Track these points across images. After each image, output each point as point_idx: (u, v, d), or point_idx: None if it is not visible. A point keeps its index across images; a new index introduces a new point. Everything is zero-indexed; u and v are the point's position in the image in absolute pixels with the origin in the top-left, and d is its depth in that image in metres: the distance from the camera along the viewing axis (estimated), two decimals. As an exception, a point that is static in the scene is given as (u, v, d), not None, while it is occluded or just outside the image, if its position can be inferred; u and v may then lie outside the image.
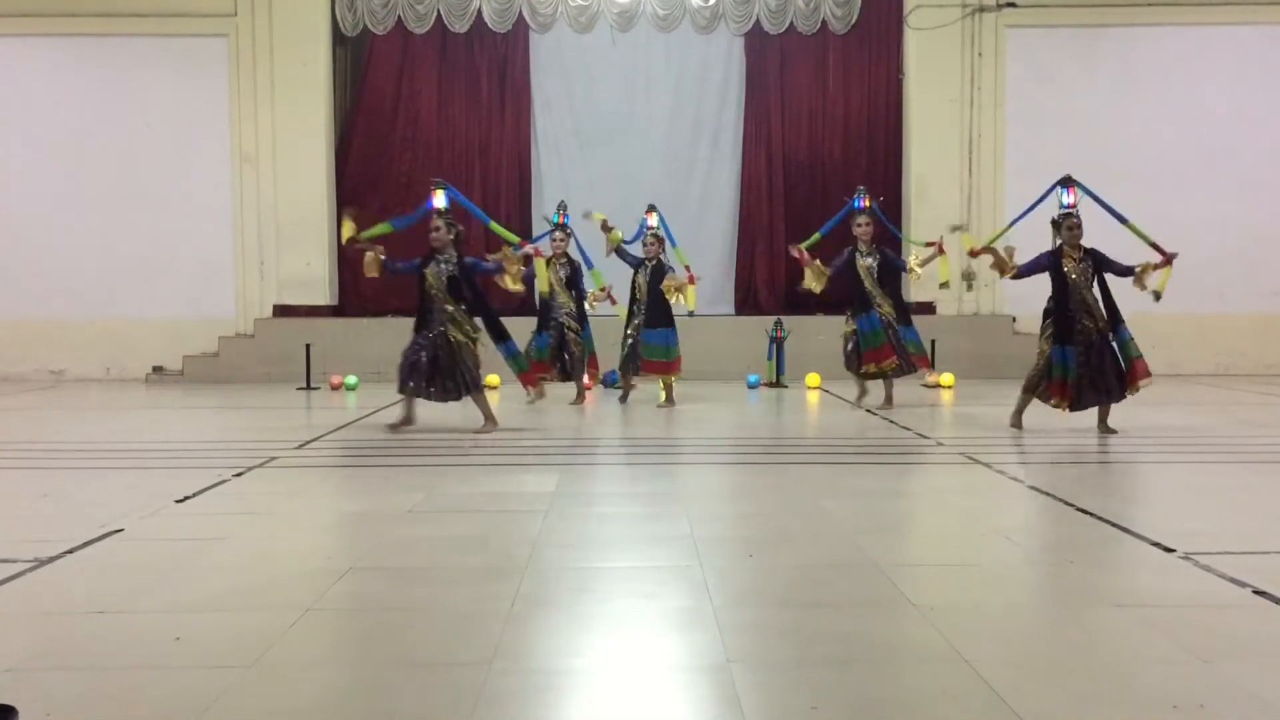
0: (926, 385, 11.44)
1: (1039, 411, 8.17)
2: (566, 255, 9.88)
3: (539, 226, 13.62)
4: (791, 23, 13.55)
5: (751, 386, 11.57)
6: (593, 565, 4.26)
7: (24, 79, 13.18)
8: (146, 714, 2.80)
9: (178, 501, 5.46)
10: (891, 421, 8.66)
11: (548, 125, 13.92)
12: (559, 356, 9.82)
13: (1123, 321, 7.75)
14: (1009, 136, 13.25)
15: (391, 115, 13.77)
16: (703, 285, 13.75)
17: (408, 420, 8.00)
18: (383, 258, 7.98)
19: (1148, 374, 7.73)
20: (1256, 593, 3.76)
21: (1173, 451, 7.25)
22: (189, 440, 8.04)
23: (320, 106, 13.32)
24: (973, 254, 8.69)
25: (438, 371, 7.81)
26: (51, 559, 4.30)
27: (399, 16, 13.46)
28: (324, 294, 13.41)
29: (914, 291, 13.37)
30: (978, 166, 13.31)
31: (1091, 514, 5.05)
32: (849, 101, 13.86)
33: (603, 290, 9.92)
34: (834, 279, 9.53)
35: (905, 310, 9.74)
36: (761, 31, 13.59)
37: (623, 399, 10.07)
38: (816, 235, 9.79)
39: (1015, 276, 8.15)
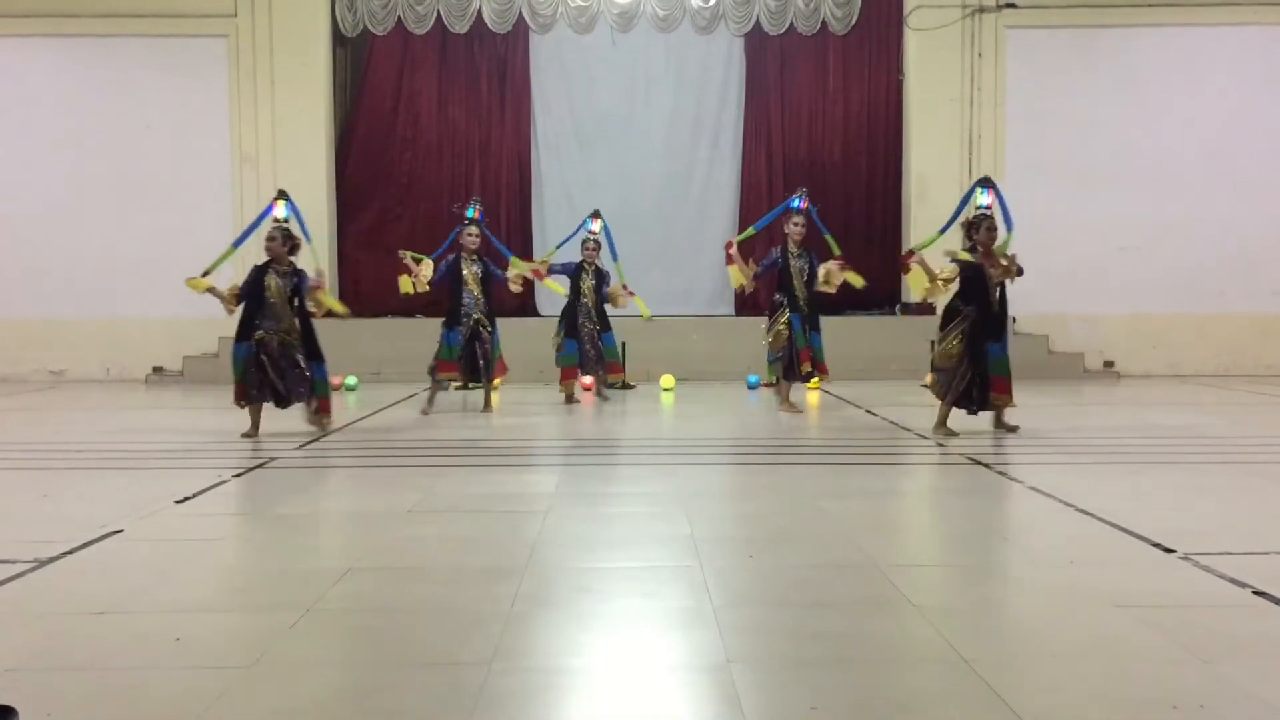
0: (926, 385, 11.43)
1: (1039, 411, 8.16)
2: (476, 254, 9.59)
3: (540, 227, 13.67)
4: (791, 23, 13.56)
5: (751, 387, 11.57)
6: (592, 565, 4.26)
7: (24, 79, 13.19)
8: (147, 714, 2.80)
9: (178, 502, 5.47)
10: (892, 422, 8.66)
11: (548, 126, 13.92)
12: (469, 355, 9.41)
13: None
14: (1009, 137, 13.25)
15: (391, 116, 13.78)
16: (703, 286, 13.86)
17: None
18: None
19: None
20: (1256, 593, 3.76)
21: (1172, 452, 7.25)
22: (189, 440, 8.03)
23: (320, 107, 13.33)
24: (904, 266, 8.39)
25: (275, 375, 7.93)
26: (51, 559, 4.30)
27: (399, 17, 13.47)
28: (324, 294, 13.40)
29: (914, 293, 13.37)
30: (978, 167, 13.29)
31: (1091, 514, 5.05)
32: (849, 102, 13.86)
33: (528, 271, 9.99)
34: (758, 277, 9.44)
35: (817, 316, 9.47)
36: (761, 32, 13.60)
37: (570, 400, 10.20)
38: (750, 230, 9.83)
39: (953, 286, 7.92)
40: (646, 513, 5.27)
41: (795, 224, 9.26)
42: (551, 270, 10.22)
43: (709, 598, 3.72)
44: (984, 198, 7.88)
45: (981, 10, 13.19)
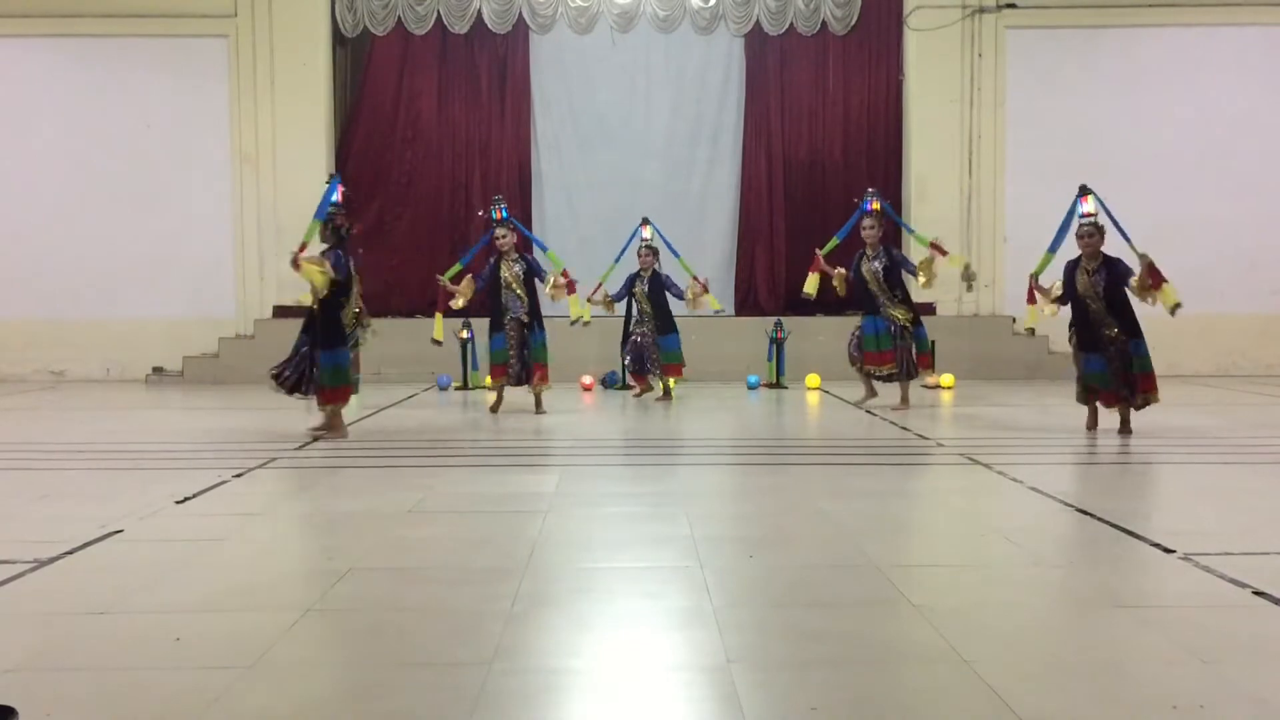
0: (926, 386, 11.45)
1: (1038, 413, 8.16)
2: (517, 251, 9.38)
3: (540, 227, 13.66)
4: (791, 24, 13.56)
5: (751, 387, 11.58)
6: (593, 565, 4.27)
7: (25, 80, 13.20)
8: (147, 714, 2.80)
9: (178, 502, 5.47)
10: (891, 422, 8.66)
11: (548, 126, 13.92)
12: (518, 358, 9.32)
13: None
14: (1009, 137, 13.26)
15: (391, 116, 13.77)
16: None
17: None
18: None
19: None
20: (1256, 593, 3.76)
21: (1173, 452, 7.25)
22: (189, 441, 8.03)
23: (320, 107, 13.33)
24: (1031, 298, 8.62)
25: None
26: (51, 559, 4.30)
27: (399, 17, 13.47)
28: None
29: (914, 291, 13.37)
30: (978, 167, 13.32)
31: (1092, 514, 5.05)
32: (849, 102, 13.85)
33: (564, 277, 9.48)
34: (847, 281, 9.54)
35: (916, 311, 9.63)
36: (761, 32, 13.60)
37: (638, 394, 10.55)
38: (835, 241, 9.78)
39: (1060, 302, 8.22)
40: (647, 513, 5.27)
41: (866, 228, 9.36)
42: (615, 299, 10.35)
43: (709, 598, 3.72)
44: (1085, 206, 8.11)
45: (981, 11, 13.19)
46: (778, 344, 11.76)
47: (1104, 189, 12.72)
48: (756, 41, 13.73)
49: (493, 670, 3.05)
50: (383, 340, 12.57)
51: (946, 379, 11.48)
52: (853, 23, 13.59)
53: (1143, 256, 7.82)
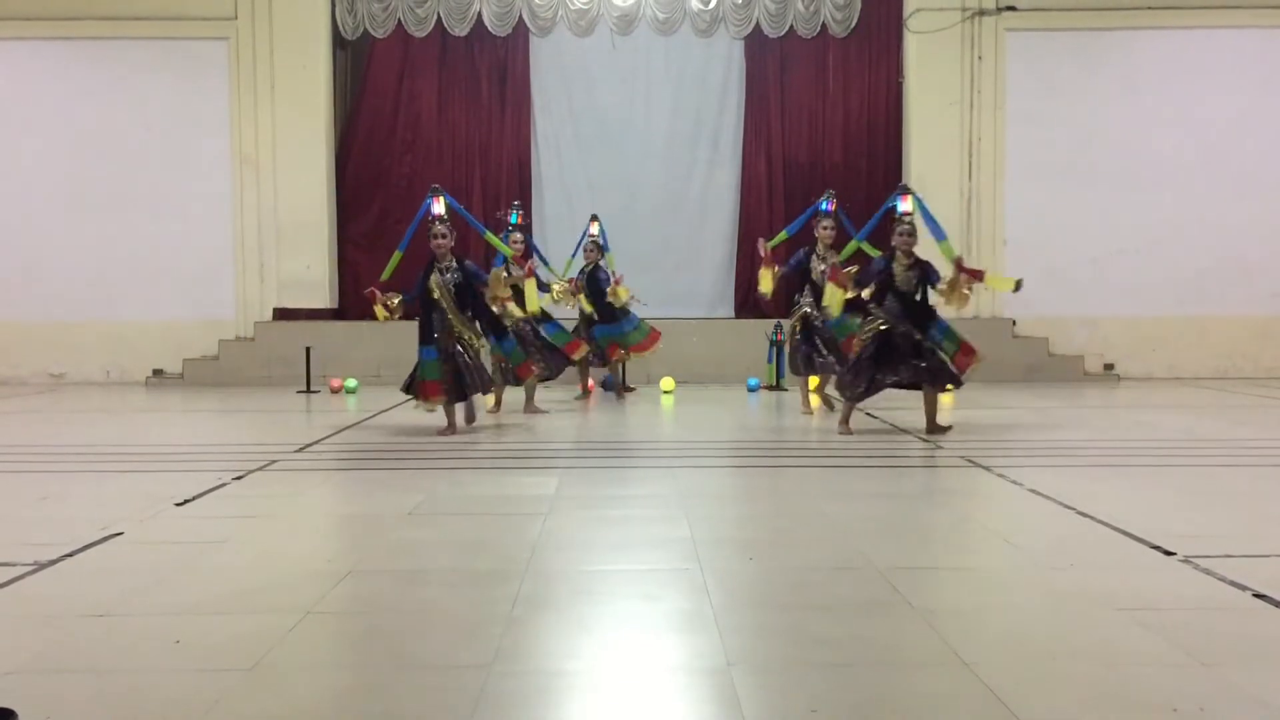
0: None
1: (1037, 413, 8.14)
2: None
3: (540, 229, 13.66)
4: (791, 26, 13.56)
5: (751, 389, 11.58)
6: (593, 568, 4.26)
7: (25, 82, 13.19)
8: (147, 717, 2.80)
9: (178, 504, 5.47)
10: (892, 425, 8.66)
11: (548, 128, 13.92)
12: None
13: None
14: (1009, 139, 13.26)
15: (391, 118, 13.77)
16: (703, 289, 13.87)
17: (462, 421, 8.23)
18: (400, 298, 8.26)
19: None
20: (1256, 596, 3.76)
21: (1172, 454, 7.25)
22: (189, 443, 8.04)
23: (320, 109, 13.34)
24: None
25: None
26: (51, 562, 4.30)
27: (399, 20, 13.48)
28: (324, 297, 13.42)
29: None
30: (978, 169, 13.32)
31: (1091, 517, 5.05)
32: (849, 105, 13.86)
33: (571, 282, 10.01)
34: (784, 278, 9.40)
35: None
36: (761, 35, 13.60)
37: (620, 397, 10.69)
38: (783, 234, 9.85)
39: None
40: (647, 515, 5.27)
41: (825, 227, 9.31)
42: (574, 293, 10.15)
43: (709, 600, 3.72)
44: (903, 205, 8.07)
45: (981, 13, 13.20)
46: (777, 346, 11.75)
47: (1104, 190, 12.81)
48: (756, 44, 13.73)
49: (492, 673, 3.06)
50: (383, 343, 12.67)
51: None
52: (852, 25, 13.59)
53: (956, 260, 7.96)
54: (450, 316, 7.98)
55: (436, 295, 7.97)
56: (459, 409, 8.22)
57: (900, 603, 3.72)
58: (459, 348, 8.01)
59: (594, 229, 10.64)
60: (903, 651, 3.29)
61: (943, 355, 7.87)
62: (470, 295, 8.11)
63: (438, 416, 8.25)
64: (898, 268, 7.89)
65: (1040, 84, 13.21)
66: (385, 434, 8.36)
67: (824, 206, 9.48)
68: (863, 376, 7.88)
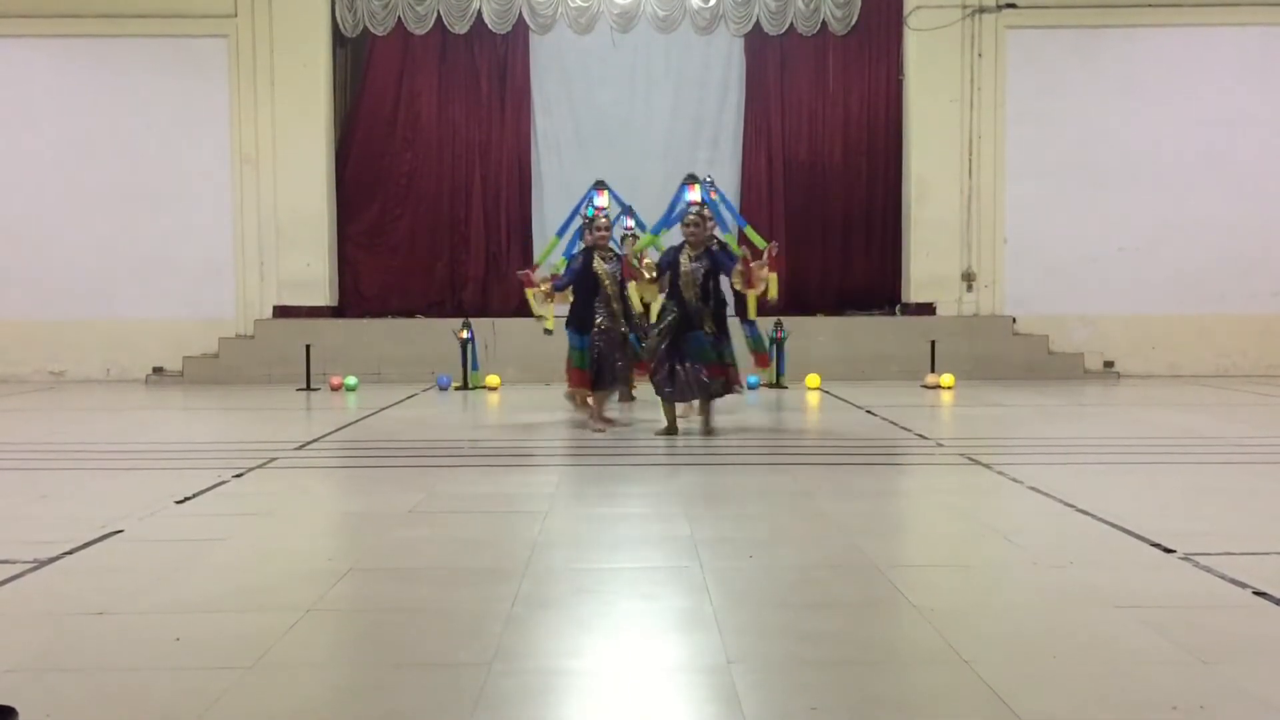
0: (926, 386, 11.46)
1: (1037, 413, 8.12)
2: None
3: (540, 227, 13.66)
4: (791, 24, 13.56)
5: (751, 387, 11.57)
6: (593, 566, 4.26)
7: (25, 80, 13.19)
8: (147, 715, 2.80)
9: (178, 502, 5.47)
10: (892, 422, 8.66)
11: (548, 126, 13.92)
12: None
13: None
14: (1009, 137, 13.26)
15: (391, 116, 13.78)
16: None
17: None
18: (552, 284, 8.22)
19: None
20: (1256, 594, 3.76)
21: (1172, 452, 7.25)
22: (189, 441, 8.04)
23: (320, 107, 13.33)
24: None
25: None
26: (51, 560, 4.30)
27: (399, 17, 13.47)
28: (324, 295, 13.42)
29: (914, 292, 13.40)
30: (978, 167, 13.32)
31: (1091, 514, 5.05)
32: (849, 103, 13.86)
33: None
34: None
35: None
36: (761, 33, 13.60)
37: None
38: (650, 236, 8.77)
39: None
40: (646, 514, 5.27)
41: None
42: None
43: (709, 599, 3.72)
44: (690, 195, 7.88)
45: (981, 11, 13.19)
46: (778, 344, 11.75)
47: (1104, 189, 12.79)
48: (756, 42, 13.73)
49: (492, 671, 3.06)
50: (383, 341, 12.68)
51: (946, 379, 11.48)
52: (853, 23, 13.59)
53: (743, 257, 7.61)
54: (615, 305, 7.99)
55: (606, 284, 7.98)
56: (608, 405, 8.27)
57: (900, 600, 3.72)
58: (624, 332, 8.03)
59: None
60: (902, 649, 3.29)
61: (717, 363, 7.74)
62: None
63: (440, 415, 8.24)
64: (683, 259, 7.68)
65: (1040, 82, 13.20)
66: (385, 432, 8.36)
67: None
68: (663, 368, 7.74)
